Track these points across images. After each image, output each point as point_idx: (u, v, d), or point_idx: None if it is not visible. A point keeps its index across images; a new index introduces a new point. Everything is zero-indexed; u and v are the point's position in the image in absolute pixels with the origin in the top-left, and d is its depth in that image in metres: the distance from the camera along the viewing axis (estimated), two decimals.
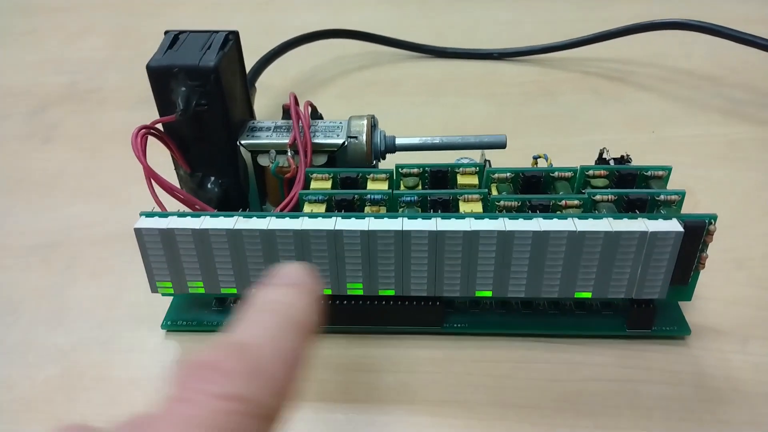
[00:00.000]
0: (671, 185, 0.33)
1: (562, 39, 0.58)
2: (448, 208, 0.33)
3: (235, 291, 0.32)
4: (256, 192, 0.38)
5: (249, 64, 0.39)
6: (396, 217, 0.30)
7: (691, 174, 0.44)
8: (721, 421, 0.30)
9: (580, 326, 0.34)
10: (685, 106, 0.52)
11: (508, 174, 0.34)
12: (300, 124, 0.36)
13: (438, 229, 0.30)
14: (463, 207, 0.32)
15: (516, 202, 0.32)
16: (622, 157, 0.36)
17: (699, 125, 0.50)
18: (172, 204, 0.34)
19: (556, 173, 0.34)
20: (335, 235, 0.30)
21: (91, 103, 0.56)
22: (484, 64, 0.60)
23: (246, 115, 0.39)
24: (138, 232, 0.31)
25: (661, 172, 0.34)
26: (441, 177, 0.35)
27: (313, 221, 0.30)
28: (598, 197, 0.32)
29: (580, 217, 0.30)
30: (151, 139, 0.34)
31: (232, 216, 0.31)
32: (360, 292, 0.32)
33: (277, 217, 0.31)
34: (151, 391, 0.32)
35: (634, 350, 0.33)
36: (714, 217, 0.30)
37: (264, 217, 0.31)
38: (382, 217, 0.31)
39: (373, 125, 0.37)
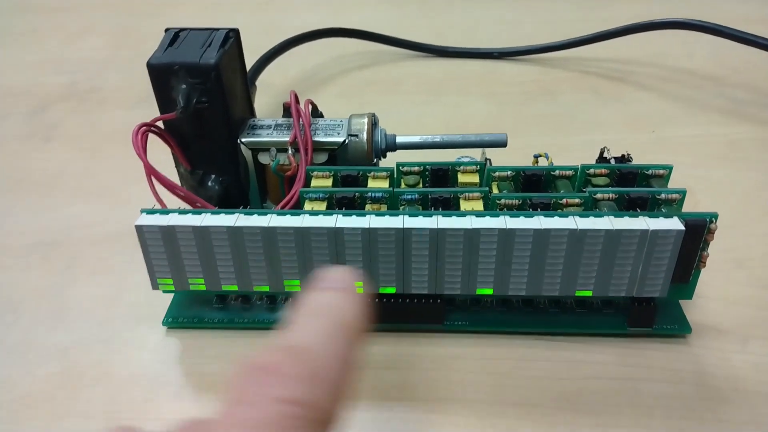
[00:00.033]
0: (671, 185, 0.33)
1: (562, 38, 0.58)
2: (449, 206, 0.33)
3: (235, 288, 0.32)
4: (257, 190, 0.38)
5: (249, 63, 0.39)
6: (397, 215, 0.30)
7: (692, 174, 0.44)
8: (722, 420, 0.30)
9: (581, 324, 0.34)
10: (686, 106, 0.52)
11: (509, 172, 0.34)
12: (301, 122, 0.36)
13: (439, 227, 0.30)
14: (464, 205, 0.32)
15: (517, 201, 0.32)
16: (623, 156, 0.36)
17: (699, 125, 0.50)
18: (172, 201, 0.34)
19: (557, 172, 0.34)
20: (336, 232, 0.30)
21: (91, 102, 0.56)
22: (485, 64, 0.60)
23: (246, 113, 0.39)
24: (139, 229, 0.31)
25: (661, 171, 0.34)
26: (442, 175, 0.35)
27: (314, 219, 0.30)
28: (599, 196, 0.32)
29: (581, 216, 0.30)
30: (151, 137, 0.34)
31: (233, 213, 0.31)
32: (361, 290, 0.31)
33: (278, 214, 0.31)
34: (152, 389, 0.32)
35: (634, 349, 0.33)
36: (715, 216, 0.30)
37: (265, 214, 0.31)
38: (383, 214, 0.31)
39: (373, 124, 0.37)
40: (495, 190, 0.34)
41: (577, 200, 0.32)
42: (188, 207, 0.34)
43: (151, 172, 0.32)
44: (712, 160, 0.46)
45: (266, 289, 0.32)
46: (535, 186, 0.34)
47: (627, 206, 0.32)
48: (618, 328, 0.33)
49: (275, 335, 0.19)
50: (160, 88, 0.34)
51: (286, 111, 0.37)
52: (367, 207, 0.33)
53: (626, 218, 0.30)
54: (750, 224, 0.40)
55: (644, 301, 0.32)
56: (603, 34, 0.56)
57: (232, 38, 0.36)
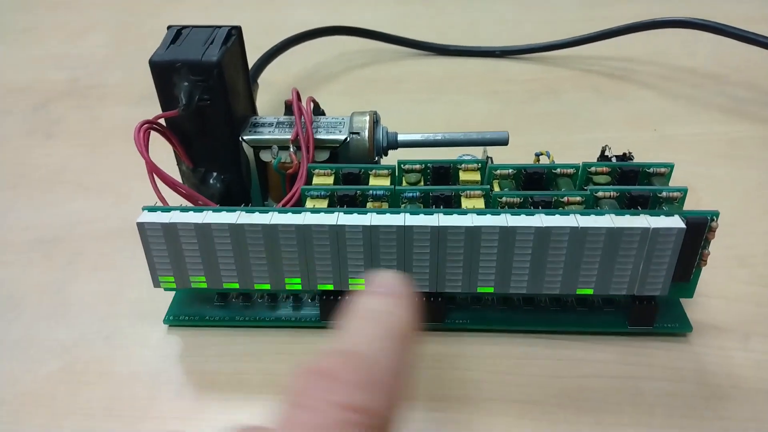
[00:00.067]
0: (673, 183, 0.33)
1: (564, 37, 0.58)
2: (450, 204, 0.33)
3: (237, 286, 0.32)
4: (258, 188, 0.38)
5: (251, 60, 0.39)
6: (398, 213, 0.30)
7: (693, 172, 0.44)
8: (723, 418, 0.30)
9: (582, 323, 0.34)
10: (687, 105, 0.52)
11: (510, 170, 0.34)
12: (302, 120, 0.36)
13: (440, 224, 0.30)
14: (465, 203, 0.32)
15: (518, 199, 0.32)
16: (624, 154, 0.36)
17: (701, 123, 0.50)
18: (174, 199, 0.34)
19: (559, 170, 0.34)
20: (337, 230, 0.30)
21: (93, 99, 0.56)
22: (486, 62, 0.60)
23: (248, 111, 0.39)
24: (141, 226, 0.31)
25: (663, 170, 0.34)
26: (443, 173, 0.35)
27: (316, 216, 0.30)
28: (600, 194, 0.32)
29: (582, 214, 0.30)
30: (153, 135, 0.34)
31: (234, 211, 0.31)
32: (362, 287, 0.31)
33: (280, 212, 0.31)
34: (154, 386, 0.32)
35: (635, 347, 0.33)
36: (716, 214, 0.30)
37: (266, 212, 0.31)
38: (384, 212, 0.31)
39: (375, 121, 0.37)
40: (496, 188, 0.34)
41: (578, 198, 0.32)
42: (190, 204, 0.34)
43: (153, 169, 0.32)
44: (714, 158, 0.46)
45: (267, 287, 0.32)
46: (536, 184, 0.34)
47: (628, 204, 0.32)
48: (619, 326, 0.33)
49: (330, 339, 0.19)
50: (162, 86, 0.34)
51: (288, 109, 0.37)
52: (369, 205, 0.33)
53: (627, 216, 0.30)
54: (751, 222, 0.40)
55: (645, 299, 0.32)
56: (605, 33, 0.56)
57: (234, 36, 0.36)
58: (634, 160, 0.36)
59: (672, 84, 0.55)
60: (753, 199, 0.42)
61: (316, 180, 0.34)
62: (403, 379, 0.19)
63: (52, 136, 0.51)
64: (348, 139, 0.36)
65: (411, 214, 0.30)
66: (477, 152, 0.38)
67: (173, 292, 0.36)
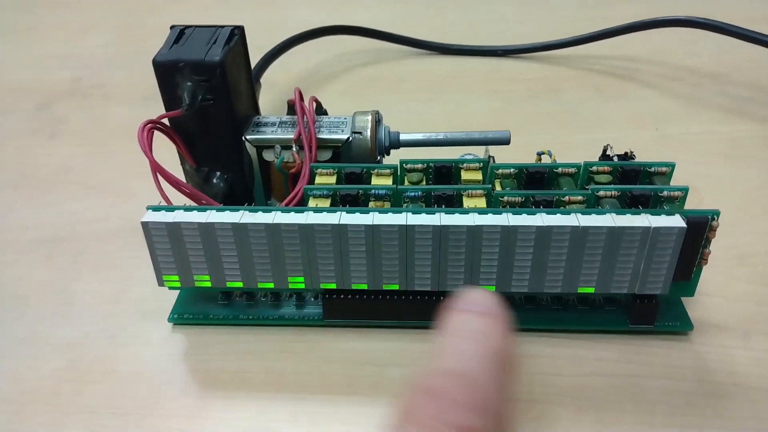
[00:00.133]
0: (674, 182, 0.34)
1: (565, 36, 0.58)
2: (452, 203, 0.33)
3: (240, 285, 0.32)
4: (261, 187, 0.38)
5: (253, 60, 0.39)
6: (400, 212, 0.31)
7: (694, 171, 0.44)
8: (724, 417, 0.30)
9: (583, 321, 0.34)
10: (688, 104, 0.52)
11: (512, 170, 0.34)
12: (305, 120, 0.36)
13: (442, 224, 0.30)
14: (467, 202, 0.32)
15: (519, 198, 0.32)
16: (626, 153, 0.36)
17: (702, 123, 0.50)
18: (178, 198, 0.34)
19: (560, 169, 0.34)
20: (340, 229, 0.30)
21: (96, 98, 0.57)
22: (488, 61, 0.60)
23: (251, 111, 0.39)
24: (145, 225, 0.31)
25: (664, 169, 0.34)
26: (445, 172, 0.35)
27: (318, 216, 0.31)
28: (601, 193, 0.32)
29: (583, 213, 0.30)
30: (157, 134, 0.34)
31: (237, 210, 0.31)
32: (364, 287, 0.32)
33: (282, 211, 0.31)
34: (158, 385, 0.32)
35: (636, 345, 0.33)
36: (717, 213, 0.30)
37: (269, 211, 0.31)
38: (386, 212, 0.31)
39: (377, 121, 0.37)
40: (498, 188, 0.34)
41: (579, 198, 0.32)
42: (194, 204, 0.34)
43: (156, 169, 0.33)
44: (714, 157, 0.46)
45: (270, 285, 0.32)
46: (538, 183, 0.34)
47: (629, 203, 0.32)
48: (620, 325, 0.33)
49: (431, 357, 0.19)
50: (165, 86, 0.34)
51: (291, 108, 0.38)
52: (371, 204, 0.33)
53: (628, 215, 0.30)
54: (752, 221, 0.40)
55: (646, 298, 0.32)
56: (606, 32, 0.56)
57: (237, 35, 0.36)
58: (636, 160, 0.36)
59: (673, 83, 0.55)
60: (753, 199, 0.42)
61: (318, 179, 0.34)
62: (509, 404, 0.19)
63: (54, 136, 0.52)
64: (350, 138, 0.36)
65: (413, 213, 0.30)
66: (479, 151, 0.38)
67: (177, 291, 0.36)
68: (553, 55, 0.59)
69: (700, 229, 0.30)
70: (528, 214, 0.30)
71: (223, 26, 0.36)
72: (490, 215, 0.30)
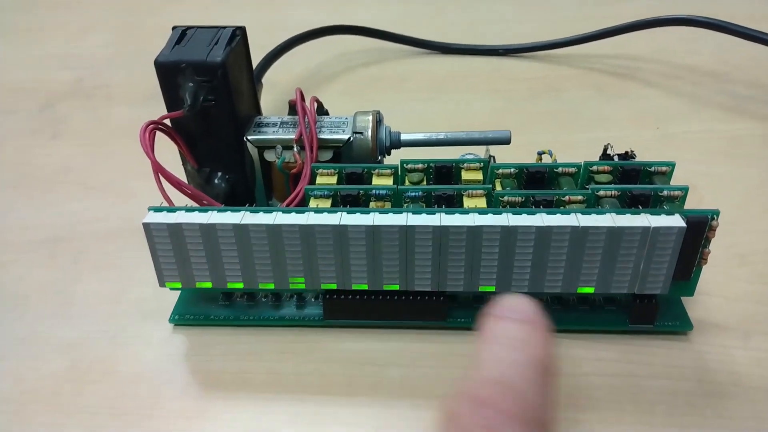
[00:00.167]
0: (674, 181, 0.34)
1: (566, 35, 0.58)
2: (453, 203, 0.33)
3: (241, 285, 0.32)
4: (263, 187, 0.38)
5: (254, 60, 0.40)
6: (400, 213, 0.31)
7: (695, 170, 0.44)
8: (724, 417, 0.30)
9: (583, 321, 0.34)
10: (689, 103, 0.53)
11: (512, 170, 0.34)
12: (306, 120, 0.36)
13: (442, 224, 0.30)
14: (467, 202, 0.32)
15: (520, 198, 0.32)
16: (627, 153, 0.36)
17: (702, 121, 0.50)
18: (179, 199, 0.34)
19: (560, 169, 0.34)
20: (340, 230, 0.30)
21: (98, 98, 0.57)
22: (489, 61, 0.60)
23: (253, 111, 0.39)
24: (147, 226, 0.31)
25: (664, 168, 0.34)
26: (445, 172, 0.35)
27: (319, 216, 0.31)
28: (601, 193, 0.32)
29: (583, 213, 0.30)
30: (158, 135, 0.34)
31: (239, 211, 0.31)
32: (365, 287, 0.32)
33: (283, 212, 0.31)
34: (158, 385, 0.32)
35: (636, 345, 0.33)
36: (716, 213, 0.30)
37: (270, 212, 0.31)
38: (386, 212, 0.31)
39: (378, 121, 0.37)
40: (498, 188, 0.34)
41: (579, 197, 0.32)
42: (195, 204, 0.34)
43: (158, 169, 0.33)
44: (715, 156, 0.46)
45: (271, 286, 0.32)
46: (538, 183, 0.34)
47: (629, 203, 0.32)
48: (620, 325, 0.33)
49: (473, 365, 0.19)
50: (167, 87, 0.35)
51: (292, 109, 0.38)
52: (371, 204, 0.33)
53: (628, 215, 0.30)
54: (752, 220, 0.41)
55: (646, 298, 0.32)
56: (607, 31, 0.56)
57: (238, 36, 0.36)
58: (636, 159, 0.36)
59: (674, 82, 0.55)
60: (754, 197, 0.42)
61: (319, 180, 0.34)
62: (551, 412, 0.19)
63: (57, 136, 0.52)
64: (351, 138, 0.36)
65: (413, 213, 0.31)
66: (479, 151, 0.38)
67: (178, 292, 0.36)
68: (554, 55, 0.59)
69: (699, 229, 0.30)
70: (528, 214, 0.30)
71: (224, 27, 0.36)
72: (490, 215, 0.30)
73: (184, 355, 0.34)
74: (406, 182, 0.35)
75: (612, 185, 0.33)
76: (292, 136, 0.36)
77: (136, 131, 0.33)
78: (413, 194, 0.33)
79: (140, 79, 0.58)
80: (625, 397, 0.31)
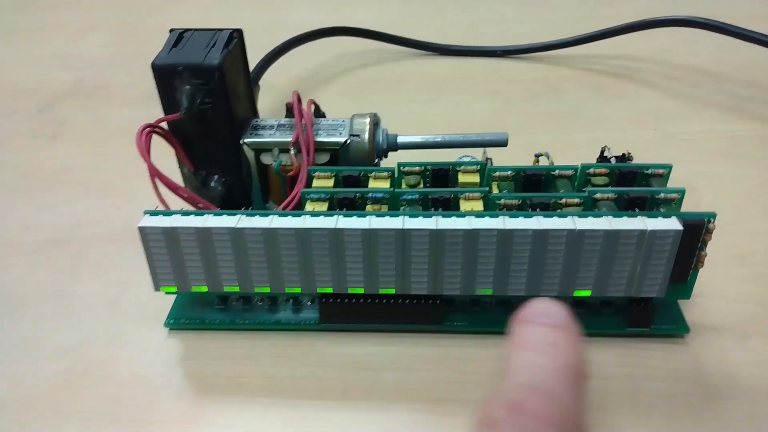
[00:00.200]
0: (673, 182, 0.34)
1: (565, 36, 0.58)
2: (449, 206, 0.33)
3: (237, 289, 0.32)
4: (259, 190, 0.38)
5: (253, 61, 0.39)
6: (397, 216, 0.31)
7: (694, 171, 0.44)
8: (721, 419, 0.30)
9: (580, 324, 0.34)
10: (688, 103, 0.52)
11: (509, 172, 0.34)
12: (303, 123, 0.36)
13: (438, 227, 0.30)
14: (464, 205, 0.32)
15: (516, 201, 0.32)
16: (624, 155, 0.36)
17: (702, 122, 0.50)
18: (176, 202, 0.34)
19: (557, 171, 0.34)
20: (337, 233, 0.30)
21: (98, 99, 0.57)
22: (488, 62, 0.60)
23: (249, 114, 0.39)
24: (142, 230, 0.31)
25: (661, 171, 0.34)
26: (442, 175, 0.35)
27: (315, 220, 0.31)
28: (598, 195, 0.32)
29: (579, 216, 0.30)
30: (155, 138, 0.34)
31: (234, 214, 0.31)
32: (361, 291, 0.32)
33: (280, 215, 0.31)
34: (155, 390, 0.32)
35: (633, 348, 0.33)
36: (713, 216, 0.30)
37: (266, 215, 0.31)
38: (383, 215, 0.31)
39: (375, 123, 0.37)
40: (495, 190, 0.34)
41: (576, 200, 0.32)
42: (191, 208, 0.34)
43: (154, 173, 0.33)
44: (714, 156, 0.46)
45: (267, 290, 0.32)
46: (535, 186, 0.34)
47: (626, 206, 0.32)
48: (616, 328, 0.33)
49: (505, 370, 0.19)
50: (164, 89, 0.35)
51: (289, 111, 0.38)
52: (368, 207, 0.33)
53: (625, 218, 0.30)
54: (751, 221, 0.40)
55: (642, 301, 0.32)
56: (606, 32, 0.56)
57: (235, 39, 0.36)
58: (634, 161, 0.36)
59: (673, 83, 0.55)
60: (753, 198, 0.42)
61: (316, 183, 0.34)
62: (586, 417, 0.19)
63: (56, 137, 0.52)
64: (348, 141, 0.36)
65: (409, 217, 0.30)
66: (477, 153, 0.38)
67: (174, 295, 0.36)
68: (553, 55, 0.59)
69: (696, 232, 0.30)
70: (524, 217, 0.30)
71: (222, 29, 0.36)
72: (486, 218, 0.30)
73: (180, 359, 0.34)
74: (403, 185, 0.35)
75: (609, 188, 0.33)
76: (289, 139, 0.36)
77: (135, 132, 0.33)
78: (410, 197, 0.33)
79: (140, 80, 0.58)
80: (622, 400, 0.31)
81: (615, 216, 0.30)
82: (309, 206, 0.33)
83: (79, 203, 0.44)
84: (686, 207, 0.32)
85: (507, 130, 0.38)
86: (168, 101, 0.35)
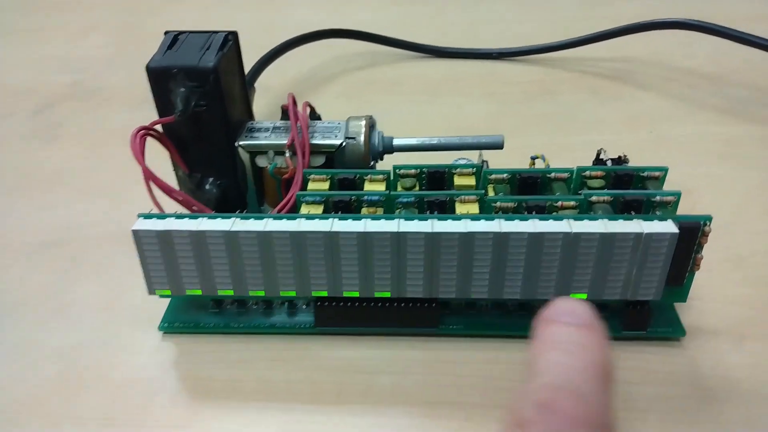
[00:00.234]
0: (669, 184, 0.34)
1: (561, 38, 0.58)
2: (445, 209, 0.33)
3: (232, 293, 0.32)
4: (254, 193, 0.38)
5: (250, 62, 0.39)
6: (392, 219, 0.30)
7: (690, 173, 0.44)
8: (717, 422, 0.30)
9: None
10: (684, 105, 0.52)
11: (505, 175, 0.34)
12: (298, 125, 0.36)
13: (434, 230, 0.30)
14: (460, 208, 0.32)
15: (512, 204, 0.32)
16: (620, 157, 0.36)
17: (697, 124, 0.50)
18: (171, 205, 0.34)
19: (553, 174, 0.34)
20: (332, 236, 0.30)
21: (96, 101, 0.57)
22: (484, 64, 0.60)
23: (245, 116, 0.39)
24: (136, 234, 0.31)
25: (657, 173, 0.34)
26: (438, 178, 0.35)
27: (310, 223, 0.30)
28: (594, 198, 0.32)
29: (575, 219, 0.30)
30: (150, 140, 0.34)
31: (229, 217, 0.31)
32: (356, 294, 0.32)
33: (275, 218, 0.31)
34: (149, 394, 0.32)
35: (629, 351, 0.33)
36: (709, 219, 0.30)
37: (261, 218, 0.31)
38: (378, 218, 0.31)
39: (371, 126, 0.37)
40: (491, 193, 0.34)
41: (572, 203, 0.32)
42: (186, 211, 0.34)
43: (149, 176, 0.33)
44: (710, 158, 0.46)
45: (262, 293, 0.32)
46: (531, 188, 0.34)
47: (622, 209, 0.32)
48: (612, 331, 0.33)
49: (533, 370, 0.19)
50: (159, 92, 0.34)
51: (285, 114, 0.38)
52: (364, 210, 0.33)
53: (620, 221, 0.30)
54: (748, 223, 0.40)
55: (638, 304, 0.32)
56: (602, 34, 0.56)
57: (230, 41, 0.36)
58: (630, 164, 0.36)
59: (669, 85, 0.55)
60: (750, 200, 0.42)
61: (311, 185, 0.34)
62: (614, 416, 0.19)
63: (54, 139, 0.51)
64: (344, 143, 0.36)
65: (405, 220, 0.30)
66: (473, 156, 0.38)
67: (168, 299, 0.36)
68: (549, 58, 0.59)
69: (692, 235, 0.30)
70: (520, 220, 0.30)
71: (216, 32, 0.36)
72: (482, 221, 0.30)
73: (174, 362, 0.33)
74: (399, 188, 0.34)
75: (605, 191, 0.33)
76: (284, 142, 0.36)
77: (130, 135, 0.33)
78: (405, 200, 0.33)
79: (139, 82, 0.57)
80: (617, 403, 0.31)
81: (611, 219, 0.30)
82: (304, 209, 0.33)
83: (75, 205, 0.44)
84: (682, 210, 0.32)
85: (503, 132, 0.38)
86: (163, 104, 0.35)
